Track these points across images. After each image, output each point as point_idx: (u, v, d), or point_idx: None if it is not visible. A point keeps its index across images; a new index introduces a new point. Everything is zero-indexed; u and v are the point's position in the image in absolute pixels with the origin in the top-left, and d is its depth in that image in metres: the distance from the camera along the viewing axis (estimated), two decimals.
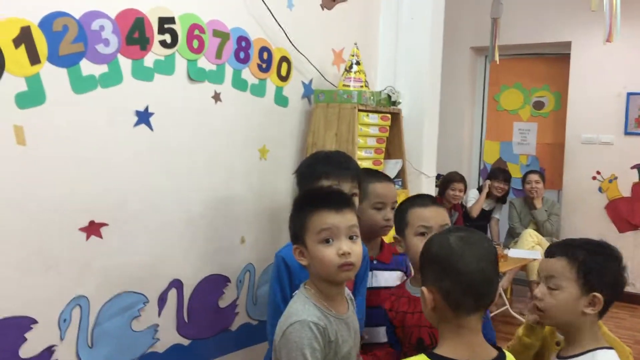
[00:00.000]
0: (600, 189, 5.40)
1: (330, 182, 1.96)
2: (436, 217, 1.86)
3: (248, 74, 2.76)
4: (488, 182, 5.41)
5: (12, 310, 1.99)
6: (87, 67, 2.15)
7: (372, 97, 3.02)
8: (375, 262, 2.16)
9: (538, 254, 4.78)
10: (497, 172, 5.52)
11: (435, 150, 3.48)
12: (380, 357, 1.89)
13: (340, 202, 1.60)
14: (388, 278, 2.18)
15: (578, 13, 5.24)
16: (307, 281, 1.63)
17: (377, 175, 2.23)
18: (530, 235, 4.99)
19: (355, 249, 1.56)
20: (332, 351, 1.55)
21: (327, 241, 1.54)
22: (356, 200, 2.01)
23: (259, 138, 2.84)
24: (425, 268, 1.43)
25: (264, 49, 2.82)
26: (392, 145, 3.21)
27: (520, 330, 1.77)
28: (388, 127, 3.12)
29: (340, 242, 1.54)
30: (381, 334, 2.12)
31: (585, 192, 5.44)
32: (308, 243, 1.57)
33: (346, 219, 1.57)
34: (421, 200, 1.95)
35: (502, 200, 5.51)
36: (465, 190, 5.24)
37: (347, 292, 1.72)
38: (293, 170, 2.99)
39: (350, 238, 1.57)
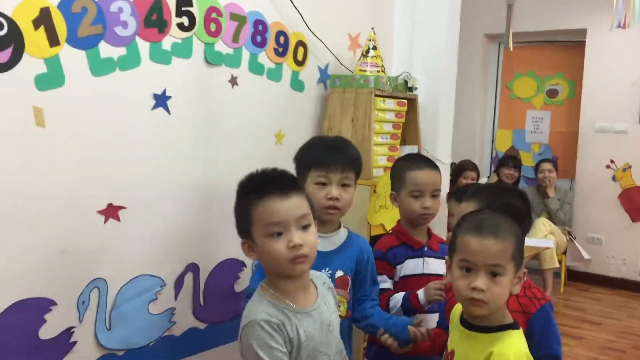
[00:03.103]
0: (614, 178, 5.35)
1: (318, 174, 1.85)
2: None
3: (264, 58, 2.75)
4: (495, 175, 5.39)
5: (32, 292, 2.00)
6: (105, 50, 2.14)
7: (388, 83, 3.00)
8: (426, 248, 2.13)
9: (551, 242, 4.76)
10: (507, 159, 5.50)
11: (450, 137, 3.45)
12: (433, 336, 1.85)
13: (285, 186, 1.44)
14: (439, 267, 2.10)
15: (594, 0, 5.18)
16: (265, 279, 1.51)
17: (416, 162, 2.13)
18: (543, 224, 4.97)
19: (308, 239, 1.43)
20: (294, 349, 1.43)
21: (277, 234, 1.41)
22: (351, 190, 1.90)
23: (274, 123, 2.83)
24: None
25: (280, 33, 2.80)
26: (408, 131, 3.19)
27: None
28: (404, 113, 3.10)
29: (291, 234, 1.41)
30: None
31: (598, 181, 5.40)
32: (255, 236, 1.44)
33: (294, 207, 1.43)
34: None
35: None
36: (477, 179, 5.21)
37: (325, 279, 1.62)
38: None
39: (303, 227, 1.43)
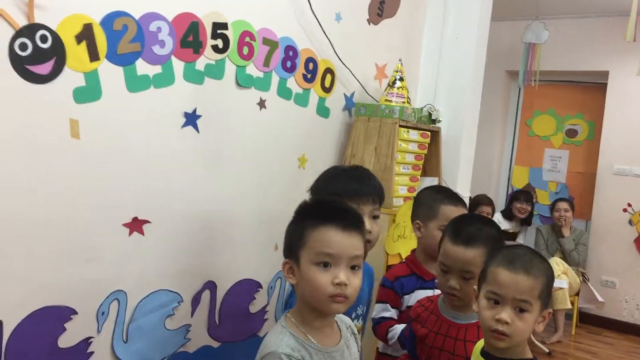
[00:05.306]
0: (630, 222, 5.33)
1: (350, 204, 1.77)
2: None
3: (293, 83, 2.80)
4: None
5: (55, 300, 2.02)
6: (142, 67, 2.19)
7: (413, 114, 3.04)
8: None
9: (564, 282, 4.74)
10: (519, 194, 5.53)
11: (470, 171, 3.48)
12: None
13: (351, 223, 1.41)
14: None
15: (617, 43, 5.21)
16: (292, 309, 1.48)
17: (451, 197, 2.13)
18: (556, 264, 4.94)
19: (354, 281, 1.39)
20: None
21: (324, 265, 1.37)
22: (379, 222, 1.90)
23: (299, 147, 2.87)
24: None
25: (310, 60, 2.85)
26: (429, 162, 3.22)
27: None
28: (427, 145, 3.13)
29: (339, 270, 1.37)
30: None
31: (614, 223, 5.38)
32: (302, 260, 1.39)
33: (352, 245, 1.40)
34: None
35: (526, 222, 5.47)
36: (493, 214, 5.21)
37: (349, 323, 1.59)
38: None
39: (352, 268, 1.40)
